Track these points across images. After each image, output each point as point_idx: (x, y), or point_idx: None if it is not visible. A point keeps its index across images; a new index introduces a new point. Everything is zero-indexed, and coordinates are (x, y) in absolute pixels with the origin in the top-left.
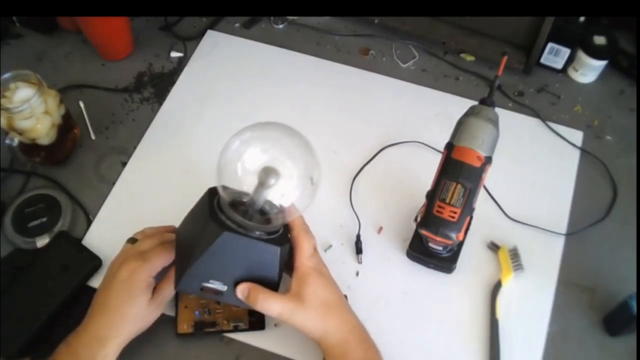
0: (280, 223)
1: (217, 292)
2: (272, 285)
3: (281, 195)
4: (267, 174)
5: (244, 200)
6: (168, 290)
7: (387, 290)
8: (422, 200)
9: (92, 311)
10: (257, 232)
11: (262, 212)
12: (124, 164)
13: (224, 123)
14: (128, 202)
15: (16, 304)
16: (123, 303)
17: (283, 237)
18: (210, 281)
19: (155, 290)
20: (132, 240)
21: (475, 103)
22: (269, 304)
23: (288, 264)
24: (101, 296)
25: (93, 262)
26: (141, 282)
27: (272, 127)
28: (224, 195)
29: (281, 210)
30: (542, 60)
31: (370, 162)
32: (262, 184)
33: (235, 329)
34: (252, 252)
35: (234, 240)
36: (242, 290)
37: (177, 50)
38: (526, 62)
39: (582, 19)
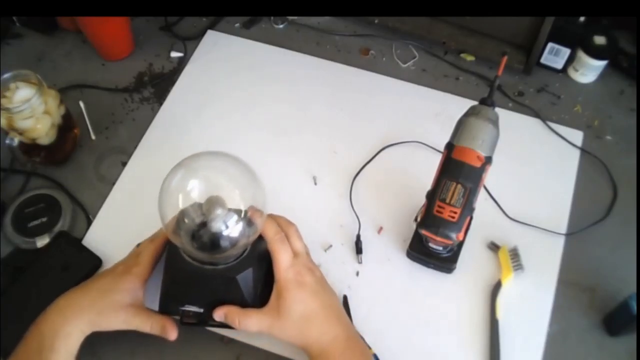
0: (244, 244)
1: (197, 314)
2: (249, 305)
3: (229, 223)
4: (212, 204)
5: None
6: (146, 316)
7: (387, 290)
8: (422, 200)
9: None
10: (209, 266)
11: (226, 238)
12: (124, 164)
13: (224, 123)
14: (128, 202)
15: (16, 304)
16: (104, 284)
17: (248, 259)
18: (186, 305)
19: (140, 307)
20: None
21: (475, 103)
22: (247, 323)
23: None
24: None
25: (93, 262)
26: (130, 284)
27: (208, 157)
28: (174, 240)
29: (231, 240)
30: (542, 60)
31: (370, 162)
32: (207, 215)
33: None
34: (212, 283)
35: (189, 273)
36: (219, 315)
37: (177, 50)
38: (526, 62)
39: (582, 19)
